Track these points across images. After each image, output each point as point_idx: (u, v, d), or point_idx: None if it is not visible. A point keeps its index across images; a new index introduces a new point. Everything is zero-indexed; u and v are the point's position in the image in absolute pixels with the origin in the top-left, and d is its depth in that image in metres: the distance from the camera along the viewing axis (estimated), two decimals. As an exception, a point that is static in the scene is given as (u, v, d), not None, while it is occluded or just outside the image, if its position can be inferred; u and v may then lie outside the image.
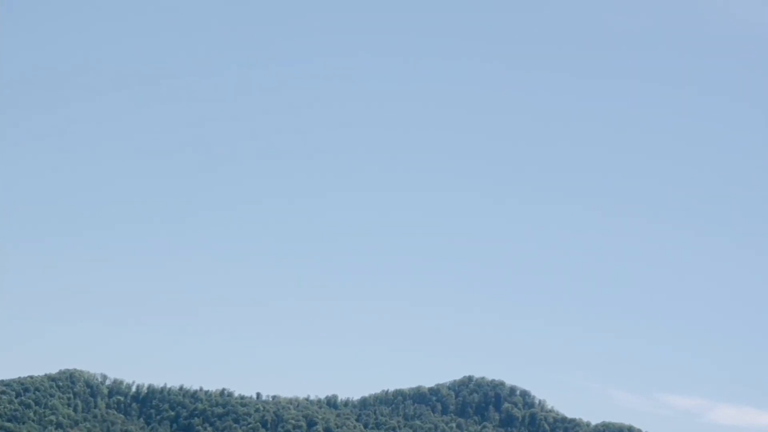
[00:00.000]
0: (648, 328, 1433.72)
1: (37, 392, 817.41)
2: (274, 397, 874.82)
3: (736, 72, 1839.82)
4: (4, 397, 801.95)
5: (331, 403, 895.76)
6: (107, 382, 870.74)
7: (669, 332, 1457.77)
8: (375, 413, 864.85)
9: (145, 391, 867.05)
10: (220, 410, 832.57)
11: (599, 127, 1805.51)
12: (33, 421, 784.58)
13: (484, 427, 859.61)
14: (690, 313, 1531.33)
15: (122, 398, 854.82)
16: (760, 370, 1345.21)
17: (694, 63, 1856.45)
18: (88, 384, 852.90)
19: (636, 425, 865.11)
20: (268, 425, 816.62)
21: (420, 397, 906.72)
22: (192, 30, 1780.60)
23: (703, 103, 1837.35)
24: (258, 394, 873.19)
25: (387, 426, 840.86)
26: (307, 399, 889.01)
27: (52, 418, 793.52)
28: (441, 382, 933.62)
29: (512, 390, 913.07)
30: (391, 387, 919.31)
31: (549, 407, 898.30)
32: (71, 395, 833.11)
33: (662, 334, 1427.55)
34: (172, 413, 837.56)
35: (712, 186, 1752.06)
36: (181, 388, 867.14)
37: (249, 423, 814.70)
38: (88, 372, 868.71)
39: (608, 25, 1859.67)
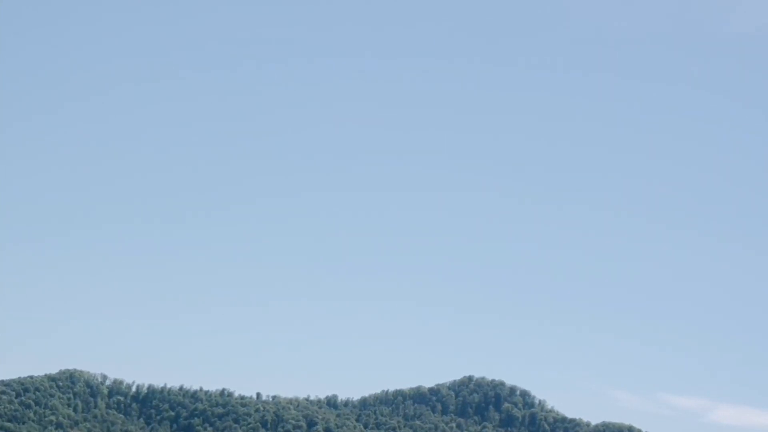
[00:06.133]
0: (649, 329, 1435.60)
1: (37, 392, 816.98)
2: (274, 397, 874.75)
3: (738, 72, 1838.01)
4: (4, 397, 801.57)
5: (331, 403, 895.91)
6: (107, 382, 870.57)
7: (670, 333, 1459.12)
8: (375, 413, 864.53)
9: (145, 391, 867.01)
10: (220, 410, 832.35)
11: (601, 128, 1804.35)
12: (33, 421, 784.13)
13: (484, 427, 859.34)
14: (690, 313, 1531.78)
15: (122, 398, 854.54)
16: (760, 370, 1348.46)
17: (697, 63, 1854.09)
18: (88, 384, 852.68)
19: (637, 425, 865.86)
20: (268, 425, 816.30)
21: (420, 397, 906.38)
22: (191, 29, 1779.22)
23: (705, 103, 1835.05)
24: (258, 394, 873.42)
25: (387, 426, 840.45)
26: (307, 399, 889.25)
27: (52, 418, 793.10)
28: (441, 382, 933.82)
29: (512, 390, 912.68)
30: (391, 387, 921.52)
31: (549, 407, 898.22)
32: (71, 395, 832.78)
33: (663, 335, 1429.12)
34: (172, 413, 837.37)
35: (712, 187, 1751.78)
36: (181, 388, 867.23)
37: (249, 423, 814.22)
38: (88, 372, 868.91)
39: (610, 26, 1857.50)
